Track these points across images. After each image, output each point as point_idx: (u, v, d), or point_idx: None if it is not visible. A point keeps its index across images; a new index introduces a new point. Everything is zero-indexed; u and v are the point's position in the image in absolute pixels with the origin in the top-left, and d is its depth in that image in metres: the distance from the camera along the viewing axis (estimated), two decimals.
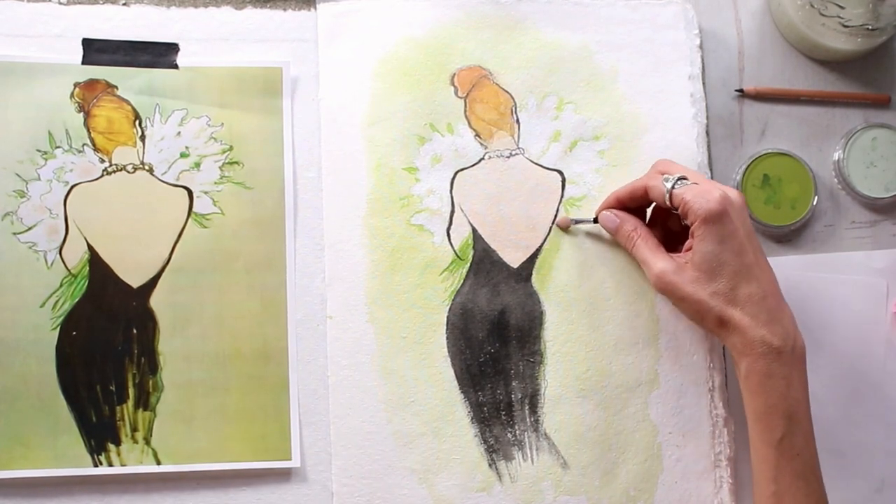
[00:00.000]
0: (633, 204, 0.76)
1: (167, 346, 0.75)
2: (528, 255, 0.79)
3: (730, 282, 0.70)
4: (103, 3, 0.80)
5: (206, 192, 0.78)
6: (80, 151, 0.77)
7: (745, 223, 0.71)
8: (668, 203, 0.72)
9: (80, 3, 0.79)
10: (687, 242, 0.73)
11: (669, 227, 0.77)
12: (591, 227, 0.79)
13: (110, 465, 0.74)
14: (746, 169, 0.81)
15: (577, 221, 0.79)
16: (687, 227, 0.72)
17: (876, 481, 0.80)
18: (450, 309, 0.78)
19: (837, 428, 0.80)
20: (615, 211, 0.76)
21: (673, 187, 0.71)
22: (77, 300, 0.75)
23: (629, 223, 0.75)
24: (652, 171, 0.76)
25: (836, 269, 0.82)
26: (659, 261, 0.72)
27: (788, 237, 0.82)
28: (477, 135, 0.81)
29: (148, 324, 0.75)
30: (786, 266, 0.82)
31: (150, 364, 0.75)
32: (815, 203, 0.82)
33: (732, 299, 0.70)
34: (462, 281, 0.78)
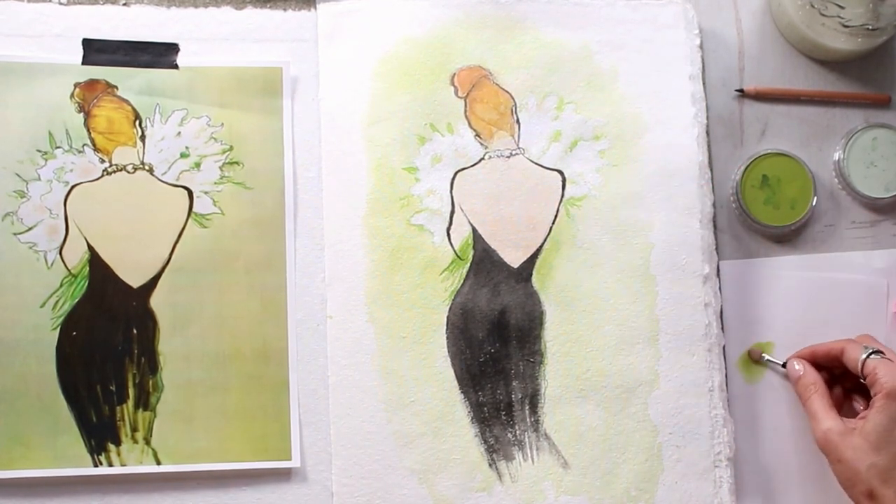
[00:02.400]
0: (825, 363, 0.78)
1: (167, 346, 0.75)
2: (528, 255, 0.79)
3: (892, 460, 0.71)
4: (103, 4, 0.80)
5: (206, 192, 0.78)
6: (80, 151, 0.77)
7: None
8: (859, 369, 0.74)
9: (80, 3, 0.79)
10: (863, 412, 0.75)
11: (845, 395, 0.80)
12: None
13: (110, 465, 0.74)
14: (745, 169, 0.81)
15: (769, 361, 0.80)
16: (856, 399, 0.77)
17: None
18: (450, 309, 0.78)
19: None
20: (803, 362, 0.78)
21: (868, 357, 0.74)
22: (77, 300, 0.75)
23: (810, 376, 0.77)
24: (855, 339, 0.78)
25: (836, 269, 0.82)
26: (829, 419, 0.74)
27: (788, 237, 0.82)
28: (477, 135, 0.81)
29: (148, 324, 0.75)
30: (786, 266, 0.82)
31: (150, 364, 0.75)
32: (814, 203, 0.82)
33: (888, 478, 0.71)
34: (462, 281, 0.78)
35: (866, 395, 0.76)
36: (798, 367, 0.78)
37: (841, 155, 0.83)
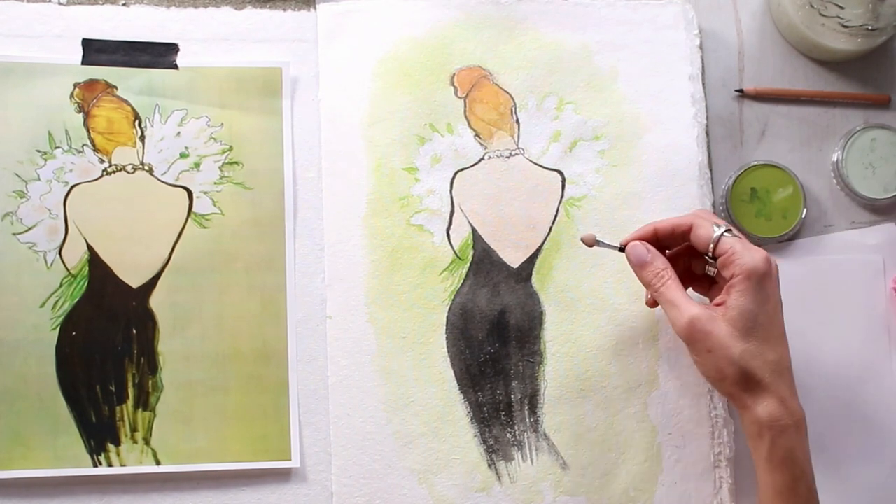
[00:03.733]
0: (668, 241, 0.73)
1: (167, 346, 0.75)
2: (528, 256, 0.79)
3: (760, 345, 0.68)
4: (103, 4, 0.80)
5: (205, 193, 0.78)
6: (79, 152, 0.77)
7: (778, 293, 0.70)
8: (710, 249, 0.70)
9: (80, 4, 0.79)
10: (719, 297, 0.70)
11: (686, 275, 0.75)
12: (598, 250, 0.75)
13: (110, 465, 0.74)
14: (733, 185, 0.81)
15: (602, 244, 0.73)
16: (702, 279, 0.73)
17: (892, 457, 0.80)
18: (449, 309, 0.78)
19: (848, 409, 0.80)
20: (648, 245, 0.72)
21: (722, 235, 0.70)
22: (77, 300, 0.75)
23: (660, 261, 0.71)
24: (691, 214, 0.74)
25: (832, 250, 0.82)
26: (693, 306, 0.69)
27: (789, 237, 0.82)
28: (477, 135, 0.81)
29: (147, 324, 0.75)
30: (782, 253, 0.82)
31: (150, 364, 0.75)
32: (803, 215, 0.81)
33: (760, 363, 0.67)
34: (462, 281, 0.78)
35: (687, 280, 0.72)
36: (643, 251, 0.71)
37: (840, 156, 0.83)
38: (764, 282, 0.68)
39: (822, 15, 0.79)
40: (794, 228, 0.82)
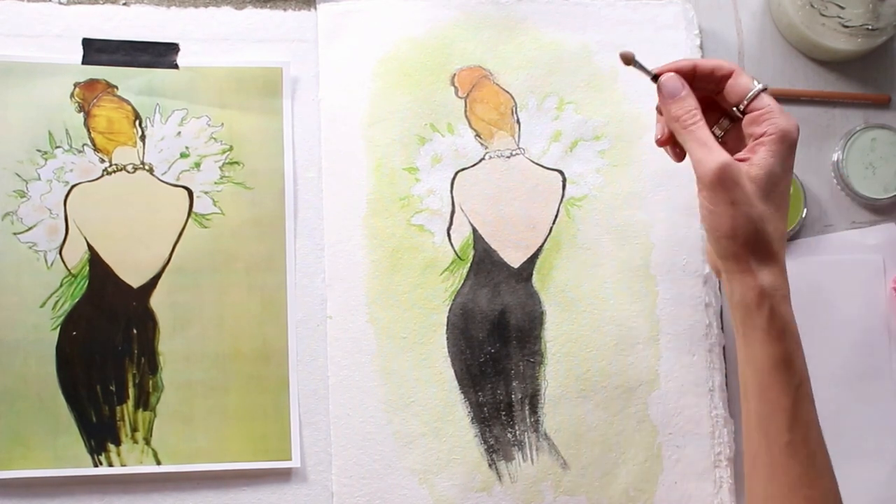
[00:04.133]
0: (704, 83, 0.69)
1: (167, 346, 0.75)
2: (528, 255, 0.79)
3: (776, 211, 0.65)
4: (103, 3, 0.80)
5: (206, 193, 0.78)
6: (80, 151, 0.77)
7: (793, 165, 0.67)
8: (746, 101, 0.66)
9: (80, 3, 0.79)
10: (742, 152, 0.66)
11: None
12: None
13: (110, 465, 0.73)
14: None
15: (638, 65, 0.68)
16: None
17: (892, 457, 0.81)
18: (450, 309, 0.78)
19: (848, 408, 0.81)
20: (682, 80, 0.68)
21: (763, 90, 0.66)
22: (77, 300, 0.75)
23: (693, 99, 0.67)
24: (732, 63, 0.69)
25: (832, 250, 0.82)
26: (723, 153, 0.64)
27: (789, 237, 0.82)
28: (477, 135, 0.81)
29: (148, 324, 0.75)
30: None
31: (150, 364, 0.75)
32: (804, 215, 0.82)
33: (774, 228, 0.64)
34: (462, 281, 0.78)
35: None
36: (678, 84, 0.67)
37: (840, 156, 0.83)
38: (792, 148, 0.65)
39: (822, 15, 0.79)
40: (794, 228, 0.82)
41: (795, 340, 0.65)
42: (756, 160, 0.65)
